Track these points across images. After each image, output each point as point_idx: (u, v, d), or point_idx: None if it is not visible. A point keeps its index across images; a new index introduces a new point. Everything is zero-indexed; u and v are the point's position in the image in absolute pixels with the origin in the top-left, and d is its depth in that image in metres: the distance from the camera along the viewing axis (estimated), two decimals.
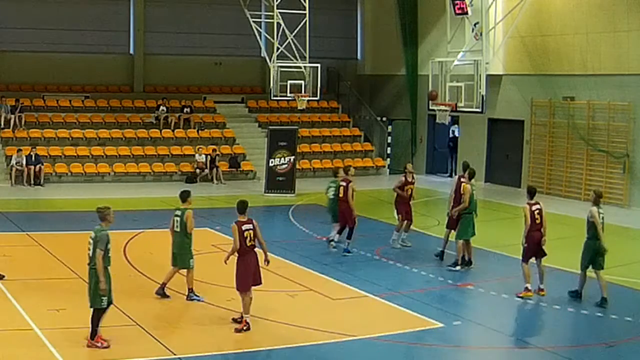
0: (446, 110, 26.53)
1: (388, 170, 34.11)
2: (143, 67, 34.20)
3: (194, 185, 29.42)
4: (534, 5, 27.08)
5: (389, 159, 34.27)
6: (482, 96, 25.72)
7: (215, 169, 30.07)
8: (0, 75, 31.64)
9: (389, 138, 34.55)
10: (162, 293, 14.22)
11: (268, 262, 12.89)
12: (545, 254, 15.10)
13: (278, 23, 29.32)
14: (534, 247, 14.90)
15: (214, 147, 31.05)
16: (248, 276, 12.63)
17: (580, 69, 26.47)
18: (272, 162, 27.72)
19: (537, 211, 14.93)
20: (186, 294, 14.14)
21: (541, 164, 28.60)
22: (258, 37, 30.62)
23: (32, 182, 27.73)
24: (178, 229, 14.11)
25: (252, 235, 12.65)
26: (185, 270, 14.20)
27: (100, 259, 11.57)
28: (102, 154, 30.01)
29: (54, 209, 24.24)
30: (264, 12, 31.48)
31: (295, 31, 29.32)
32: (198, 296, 14.11)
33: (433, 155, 34.11)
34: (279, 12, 29.23)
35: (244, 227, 12.64)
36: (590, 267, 14.48)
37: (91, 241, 11.74)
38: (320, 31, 32.53)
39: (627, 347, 12.32)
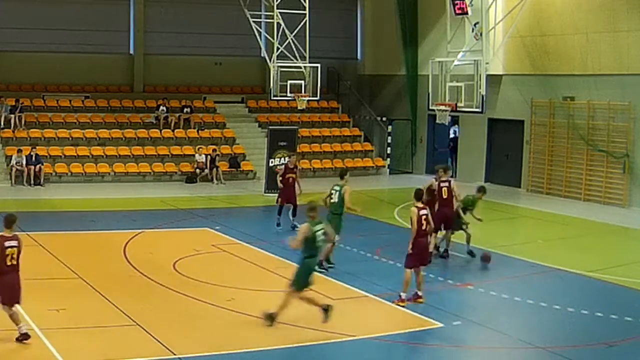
0: (446, 110, 26.56)
1: (388, 170, 34.13)
2: (143, 67, 34.20)
3: (194, 185, 29.51)
4: (534, 5, 27.08)
5: (389, 159, 34.28)
6: (482, 96, 25.74)
7: (215, 169, 30.07)
8: (0, 75, 31.63)
9: (389, 138, 34.55)
10: None
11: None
12: (430, 262, 14.86)
13: (278, 23, 29.34)
14: (420, 254, 14.26)
15: (214, 147, 31.05)
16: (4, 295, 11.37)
17: (580, 69, 26.47)
18: (272, 162, 27.72)
19: (424, 216, 14.17)
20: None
21: (541, 164, 28.60)
22: (258, 37, 30.62)
23: (32, 182, 27.71)
24: None
25: (14, 254, 11.41)
26: None
27: None
28: (102, 154, 30.00)
29: (54, 209, 24.23)
30: (264, 12, 31.49)
31: (295, 31, 29.33)
32: None
33: (433, 155, 34.11)
34: (279, 12, 29.25)
35: (6, 244, 11.36)
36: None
37: None
38: (320, 31, 32.52)
39: (627, 347, 12.32)
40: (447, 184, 17.69)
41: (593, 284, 16.32)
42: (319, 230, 12.92)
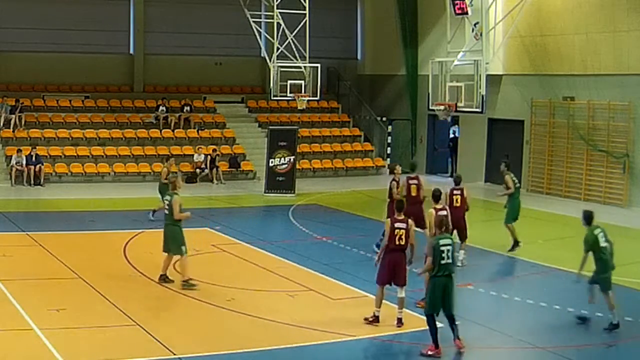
0: (446, 109, 26.55)
1: (388, 170, 34.09)
2: (143, 67, 34.19)
3: (194, 185, 29.48)
4: (534, 5, 27.07)
5: (389, 159, 34.26)
6: (482, 96, 25.73)
7: (215, 169, 30.07)
8: (0, 75, 31.62)
9: (389, 138, 34.55)
10: None
11: None
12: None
13: (278, 23, 29.34)
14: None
15: (214, 147, 31.05)
16: None
17: (580, 69, 26.47)
18: (272, 162, 27.71)
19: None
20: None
21: (541, 164, 28.59)
22: (258, 37, 30.62)
23: (32, 182, 27.72)
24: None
25: (402, 235, 12.52)
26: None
27: None
28: (102, 154, 30.00)
29: (54, 209, 24.24)
30: (264, 12, 31.48)
31: (295, 31, 29.32)
32: None
33: (433, 155, 34.11)
34: (279, 12, 29.25)
35: (396, 225, 12.53)
36: None
37: None
38: (320, 31, 32.52)
39: (627, 347, 12.32)
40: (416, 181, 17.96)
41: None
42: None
